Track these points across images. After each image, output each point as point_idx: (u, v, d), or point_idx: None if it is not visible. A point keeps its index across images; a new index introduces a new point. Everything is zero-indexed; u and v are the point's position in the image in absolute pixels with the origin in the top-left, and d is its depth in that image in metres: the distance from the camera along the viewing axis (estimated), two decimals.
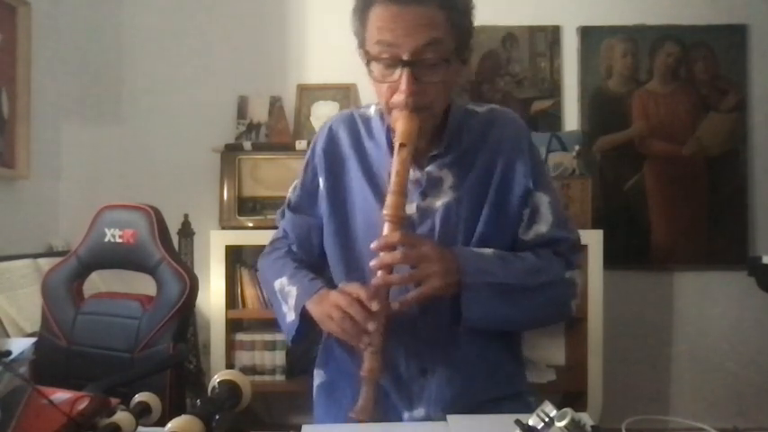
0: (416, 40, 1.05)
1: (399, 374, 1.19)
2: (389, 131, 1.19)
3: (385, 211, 1.08)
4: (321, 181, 1.26)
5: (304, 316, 1.18)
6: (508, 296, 1.13)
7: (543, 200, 1.21)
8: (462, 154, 1.20)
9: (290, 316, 1.21)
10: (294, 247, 1.31)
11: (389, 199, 1.08)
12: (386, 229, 1.08)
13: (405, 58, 1.06)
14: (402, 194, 1.08)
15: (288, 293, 1.22)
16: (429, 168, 1.19)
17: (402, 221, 1.09)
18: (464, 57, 1.15)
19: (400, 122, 1.09)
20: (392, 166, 1.09)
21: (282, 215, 1.35)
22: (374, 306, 1.07)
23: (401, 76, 1.07)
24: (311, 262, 1.29)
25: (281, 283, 1.24)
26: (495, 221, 1.19)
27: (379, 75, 1.10)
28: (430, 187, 1.18)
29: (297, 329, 1.19)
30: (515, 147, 1.21)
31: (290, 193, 1.33)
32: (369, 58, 1.10)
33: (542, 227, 1.20)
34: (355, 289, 1.10)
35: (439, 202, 1.18)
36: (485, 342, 1.20)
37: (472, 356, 1.20)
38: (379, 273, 1.08)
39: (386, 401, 1.18)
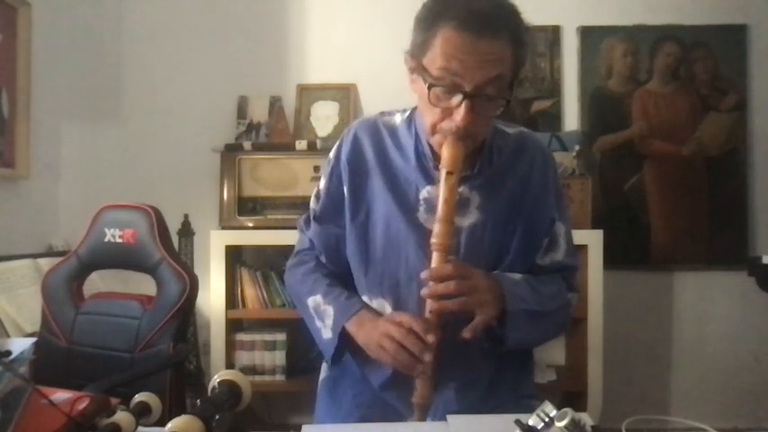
0: (483, 74, 1.03)
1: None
2: (418, 144, 1.20)
3: (433, 240, 1.08)
4: (345, 189, 1.24)
5: (342, 335, 1.18)
6: (536, 321, 1.16)
7: (561, 230, 1.24)
8: (491, 176, 1.20)
9: (327, 334, 1.20)
10: (322, 258, 1.29)
11: (437, 227, 1.08)
12: (434, 258, 1.08)
13: (467, 89, 1.04)
14: (450, 222, 1.08)
15: (324, 312, 1.21)
16: (459, 188, 1.16)
17: (451, 249, 1.09)
18: (515, 87, 1.14)
19: (447, 149, 1.08)
20: (440, 194, 1.09)
21: (307, 225, 1.32)
22: (430, 339, 1.07)
23: (459, 105, 1.05)
24: (341, 272, 1.27)
25: (315, 300, 1.23)
26: (522, 249, 1.21)
27: (435, 98, 1.07)
28: (458, 207, 1.16)
29: (336, 349, 1.20)
30: (545, 177, 1.23)
31: (313, 203, 1.30)
32: (427, 78, 1.06)
33: (558, 255, 1.24)
34: (407, 319, 1.10)
35: (466, 222, 1.18)
36: (499, 358, 1.21)
37: (485, 372, 1.22)
38: (429, 300, 1.08)
39: (392, 411, 1.19)
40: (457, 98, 1.05)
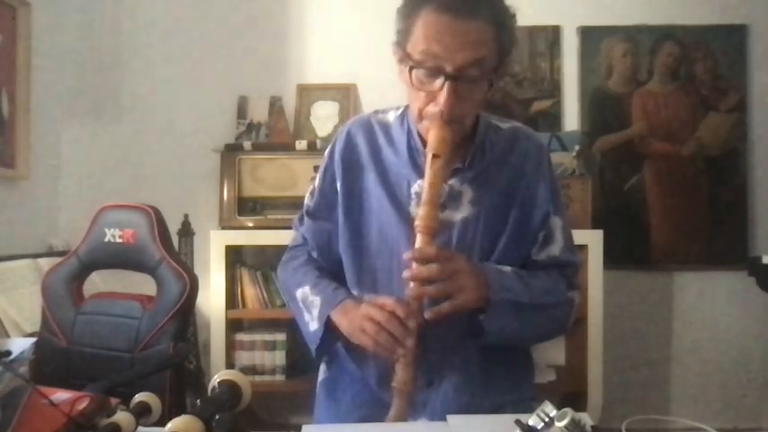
0: (464, 56, 1.03)
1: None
2: (410, 139, 1.20)
3: (417, 222, 1.08)
4: (338, 186, 1.24)
5: (328, 326, 1.18)
6: (524, 314, 1.14)
7: (558, 224, 1.23)
8: (484, 170, 1.20)
9: (314, 325, 1.20)
10: (314, 254, 1.30)
11: (422, 210, 1.08)
12: (418, 239, 1.08)
13: (449, 71, 1.04)
14: (435, 205, 1.08)
15: (311, 303, 1.21)
16: (451, 182, 1.17)
17: (435, 232, 1.09)
18: (501, 73, 1.14)
19: (433, 133, 1.08)
20: (425, 177, 1.09)
21: (301, 222, 1.34)
22: (411, 324, 1.07)
23: (442, 87, 1.05)
24: (332, 268, 1.27)
25: (303, 292, 1.24)
26: (514, 242, 1.20)
27: (418, 82, 1.08)
28: (449, 200, 1.17)
29: (321, 339, 1.19)
30: (538, 170, 1.22)
31: (308, 199, 1.32)
32: (409, 63, 1.07)
33: (555, 250, 1.22)
34: (389, 302, 1.09)
35: (458, 216, 1.18)
36: (493, 353, 1.20)
37: (480, 368, 1.21)
38: (412, 284, 1.08)
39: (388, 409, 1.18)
40: (439, 81, 1.05)
